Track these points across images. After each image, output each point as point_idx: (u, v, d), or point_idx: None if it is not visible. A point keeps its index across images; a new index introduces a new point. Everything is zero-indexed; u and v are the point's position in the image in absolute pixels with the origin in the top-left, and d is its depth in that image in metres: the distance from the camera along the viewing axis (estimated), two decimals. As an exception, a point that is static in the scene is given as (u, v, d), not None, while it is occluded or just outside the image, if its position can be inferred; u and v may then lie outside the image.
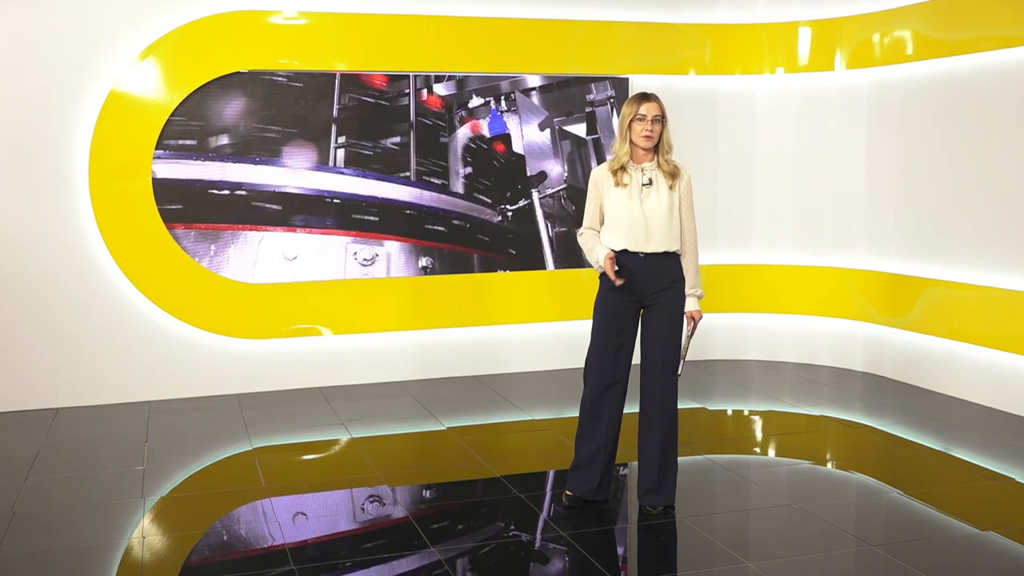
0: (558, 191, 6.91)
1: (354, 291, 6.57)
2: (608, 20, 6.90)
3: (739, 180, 7.22)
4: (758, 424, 5.85)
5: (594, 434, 4.16)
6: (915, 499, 4.35)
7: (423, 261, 6.64)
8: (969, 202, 6.06)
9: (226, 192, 6.22)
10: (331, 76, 6.38)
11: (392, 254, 6.61)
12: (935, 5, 6.20)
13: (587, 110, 6.90)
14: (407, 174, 6.58)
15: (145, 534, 4.03)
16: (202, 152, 6.17)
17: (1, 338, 5.98)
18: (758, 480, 4.69)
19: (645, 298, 4.08)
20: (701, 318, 4.15)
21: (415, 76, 6.56)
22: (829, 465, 5.03)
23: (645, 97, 4.02)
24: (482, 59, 6.70)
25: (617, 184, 4.05)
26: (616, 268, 3.98)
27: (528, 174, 6.84)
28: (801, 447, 5.26)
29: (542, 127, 6.83)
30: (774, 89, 7.13)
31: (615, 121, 6.89)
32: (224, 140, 6.21)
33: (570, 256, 6.96)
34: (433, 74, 6.60)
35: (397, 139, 6.55)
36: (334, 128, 6.41)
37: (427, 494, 4.55)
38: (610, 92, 6.91)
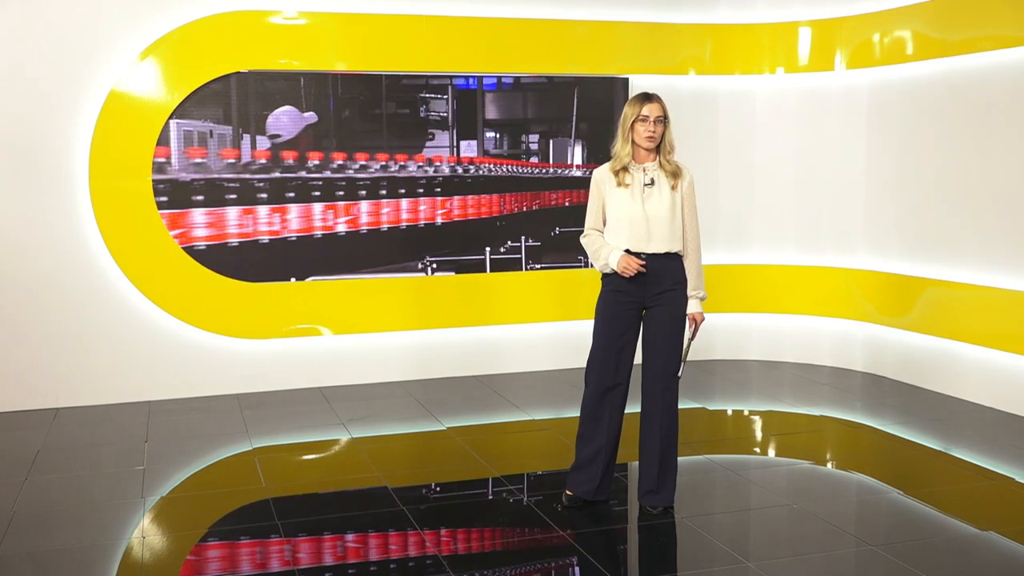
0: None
1: (354, 291, 6.57)
2: (608, 20, 6.90)
3: (739, 180, 7.22)
4: (758, 424, 5.85)
5: (595, 435, 4.16)
6: (915, 499, 4.35)
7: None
8: (969, 202, 6.06)
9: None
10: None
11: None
12: (935, 5, 6.20)
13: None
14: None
15: (145, 534, 4.03)
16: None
17: (1, 338, 5.98)
18: (758, 480, 4.69)
19: (647, 299, 4.07)
20: (703, 320, 4.14)
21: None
22: (829, 465, 5.03)
23: (647, 98, 4.02)
24: (482, 59, 6.70)
25: (619, 184, 4.04)
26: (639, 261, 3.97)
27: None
28: (801, 447, 5.26)
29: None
30: (774, 89, 7.13)
31: None
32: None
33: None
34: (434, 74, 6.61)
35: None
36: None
37: (427, 494, 4.55)
38: None
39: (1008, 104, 5.75)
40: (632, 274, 3.97)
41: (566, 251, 6.95)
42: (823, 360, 7.14)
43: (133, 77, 6.03)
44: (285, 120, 6.30)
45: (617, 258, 4.00)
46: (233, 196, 6.25)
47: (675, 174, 4.07)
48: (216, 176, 6.21)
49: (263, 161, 6.29)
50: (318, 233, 6.44)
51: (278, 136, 6.30)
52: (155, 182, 6.10)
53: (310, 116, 6.34)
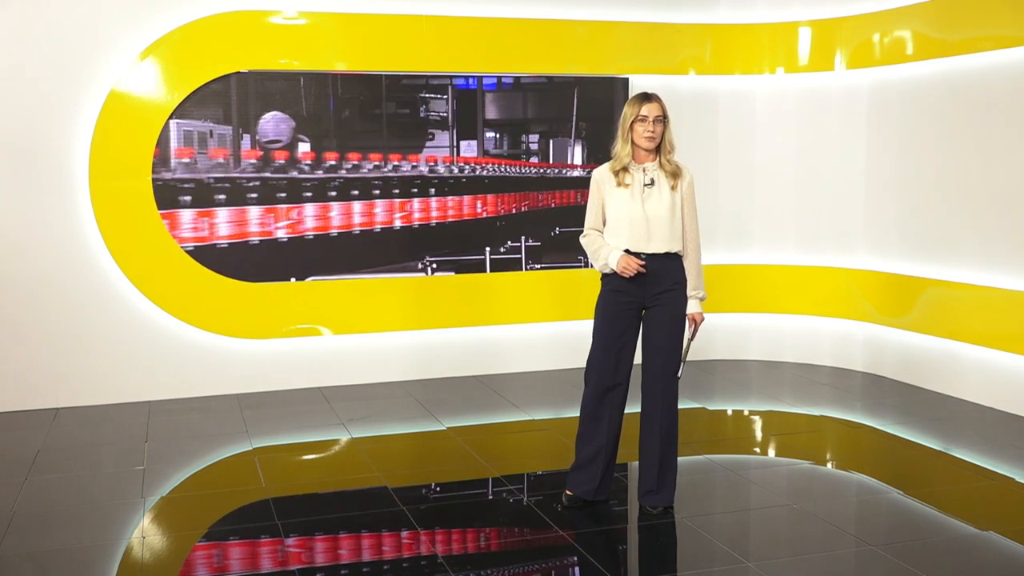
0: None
1: (354, 291, 6.57)
2: (608, 20, 6.90)
3: (739, 180, 7.22)
4: (758, 424, 5.85)
5: (595, 435, 4.16)
6: (915, 499, 4.35)
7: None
8: (969, 202, 6.06)
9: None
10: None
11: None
12: (935, 5, 6.20)
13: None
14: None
15: (145, 534, 4.03)
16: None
17: (1, 338, 5.98)
18: (758, 480, 4.69)
19: (647, 299, 4.07)
20: (703, 320, 4.14)
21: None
22: (829, 465, 5.03)
23: (647, 98, 4.02)
24: (482, 59, 6.70)
25: (619, 184, 4.04)
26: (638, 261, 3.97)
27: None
28: (801, 447, 5.26)
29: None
30: (774, 89, 7.13)
31: None
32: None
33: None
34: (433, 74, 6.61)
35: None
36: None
37: (427, 494, 4.55)
38: None
39: (1008, 104, 5.75)
40: (632, 274, 3.97)
41: (566, 251, 6.95)
42: (823, 360, 7.14)
43: (133, 77, 6.03)
44: (284, 127, 6.31)
45: (617, 258, 4.00)
46: (254, 195, 6.26)
47: (675, 174, 4.07)
48: (215, 177, 6.20)
49: (255, 161, 6.30)
50: (321, 233, 6.44)
51: (278, 141, 6.31)
52: (155, 182, 6.10)
53: (289, 118, 6.36)
